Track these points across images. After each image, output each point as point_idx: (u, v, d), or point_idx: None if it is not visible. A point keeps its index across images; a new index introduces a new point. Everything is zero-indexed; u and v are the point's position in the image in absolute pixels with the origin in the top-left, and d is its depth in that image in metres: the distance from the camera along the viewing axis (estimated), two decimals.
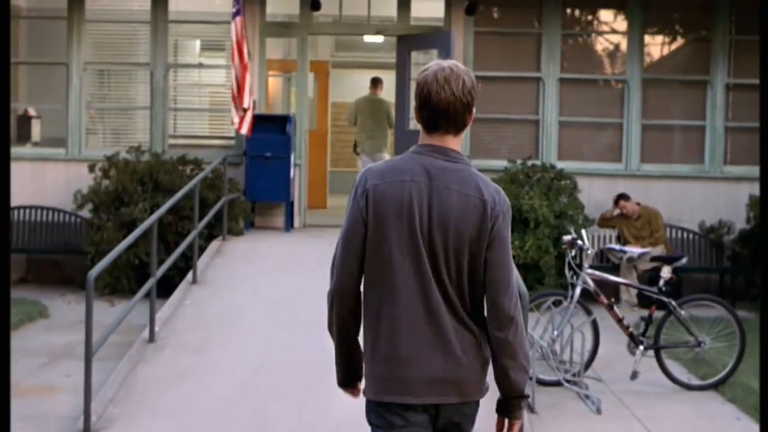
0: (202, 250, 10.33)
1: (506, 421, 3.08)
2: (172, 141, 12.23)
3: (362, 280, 2.99)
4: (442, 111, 2.89)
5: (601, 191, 11.92)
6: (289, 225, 11.77)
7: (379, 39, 15.86)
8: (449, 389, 2.93)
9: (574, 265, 7.49)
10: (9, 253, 4.84)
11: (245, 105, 10.85)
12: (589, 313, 7.48)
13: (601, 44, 12.36)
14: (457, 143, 2.98)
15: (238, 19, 10.70)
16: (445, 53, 11.25)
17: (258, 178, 11.59)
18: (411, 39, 11.79)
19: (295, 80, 12.27)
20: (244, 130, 10.94)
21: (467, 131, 11.06)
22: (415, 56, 11.91)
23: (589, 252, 7.43)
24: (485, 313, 3.00)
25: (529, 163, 11.73)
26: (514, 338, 2.94)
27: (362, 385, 3.09)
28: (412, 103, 3.40)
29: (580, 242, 7.48)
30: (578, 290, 7.41)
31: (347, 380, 3.19)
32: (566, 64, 12.17)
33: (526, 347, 2.99)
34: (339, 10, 12.14)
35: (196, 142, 12.46)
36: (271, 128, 11.72)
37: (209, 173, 10.64)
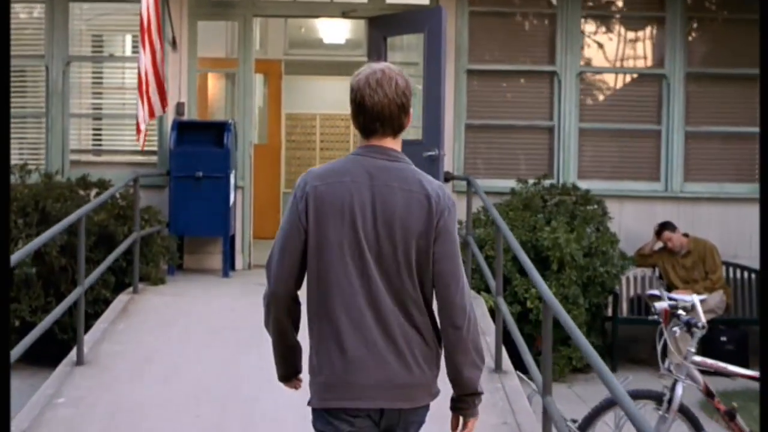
0: (106, 305, 7.46)
1: (461, 418, 3.00)
2: (74, 157, 9.32)
3: (301, 284, 2.92)
4: (377, 114, 2.84)
5: (635, 218, 9.21)
6: (229, 267, 8.87)
7: (340, 32, 13.21)
8: (400, 395, 2.85)
9: (674, 348, 4.69)
10: (8, 254, 4.17)
11: (156, 110, 8.00)
12: (697, 428, 4.69)
13: (632, 28, 9.58)
14: (397, 145, 2.93)
15: None
16: (435, 38, 8.46)
17: (186, 206, 8.72)
18: (387, 21, 8.99)
19: (237, 78, 9.37)
20: (142, 140, 8.05)
21: (461, 143, 8.94)
22: (393, 43, 9.10)
23: (700, 326, 4.64)
24: (436, 313, 2.91)
25: (546, 183, 8.96)
26: (467, 333, 2.87)
27: (301, 378, 3.09)
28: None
29: (683, 312, 4.70)
30: (679, 390, 4.62)
31: (288, 375, 3.12)
32: (587, 53, 9.43)
33: (479, 343, 2.92)
34: None
35: (107, 159, 9.55)
36: (204, 139, 8.86)
37: (110, 199, 7.79)
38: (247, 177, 9.36)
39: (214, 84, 12.12)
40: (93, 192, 8.46)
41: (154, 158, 9.33)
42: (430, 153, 8.50)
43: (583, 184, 9.03)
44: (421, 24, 8.61)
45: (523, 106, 9.43)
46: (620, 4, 9.65)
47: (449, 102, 8.87)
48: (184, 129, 8.84)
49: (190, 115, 9.26)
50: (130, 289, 7.76)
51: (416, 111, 9.05)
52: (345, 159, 2.93)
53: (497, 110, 9.41)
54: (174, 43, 9.13)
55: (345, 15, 9.27)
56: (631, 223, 9.18)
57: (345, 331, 2.83)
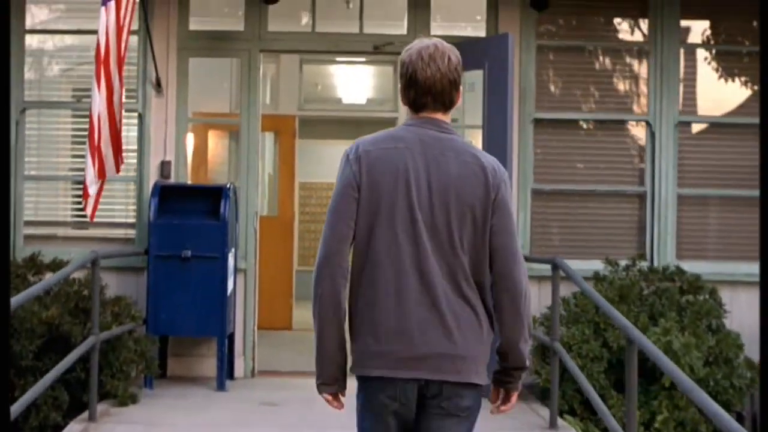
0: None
1: (502, 391, 2.92)
2: (30, 231, 7.25)
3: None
4: (428, 88, 2.78)
5: (751, 311, 6.98)
6: (225, 376, 6.71)
7: (361, 89, 11.32)
8: (443, 366, 2.73)
9: None
10: (8, 255, 3.97)
11: (108, 168, 5.94)
12: None
13: (747, 66, 7.50)
14: (446, 119, 2.85)
15: (112, 3, 5.78)
16: (499, 76, 6.43)
17: (170, 295, 6.62)
18: None
19: (240, 132, 7.33)
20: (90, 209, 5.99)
21: (526, 213, 7.04)
22: None
23: None
24: (490, 288, 2.80)
25: (642, 265, 6.86)
26: (525, 309, 2.79)
27: (344, 398, 2.89)
28: None
29: None
30: None
31: (334, 375, 2.81)
32: (688, 98, 7.37)
33: (530, 319, 2.84)
34: (311, 16, 7.34)
35: (71, 232, 7.46)
36: (194, 208, 6.80)
37: (63, 287, 5.69)
38: (251, 257, 7.26)
39: (216, 143, 10.14)
40: (47, 277, 6.38)
41: (131, 233, 7.25)
42: None
43: (684, 266, 6.91)
44: (478, 58, 6.58)
45: (606, 166, 7.35)
46: (731, 34, 7.56)
47: (513, 161, 6.78)
48: (169, 195, 6.78)
49: (178, 177, 7.21)
50: (86, 414, 5.59)
51: None
52: (396, 128, 2.86)
53: (573, 172, 7.33)
54: (158, 85, 7.12)
55: (378, 50, 7.24)
56: (748, 317, 7.00)
57: (390, 299, 2.72)
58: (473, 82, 6.78)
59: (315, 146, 14.47)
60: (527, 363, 2.88)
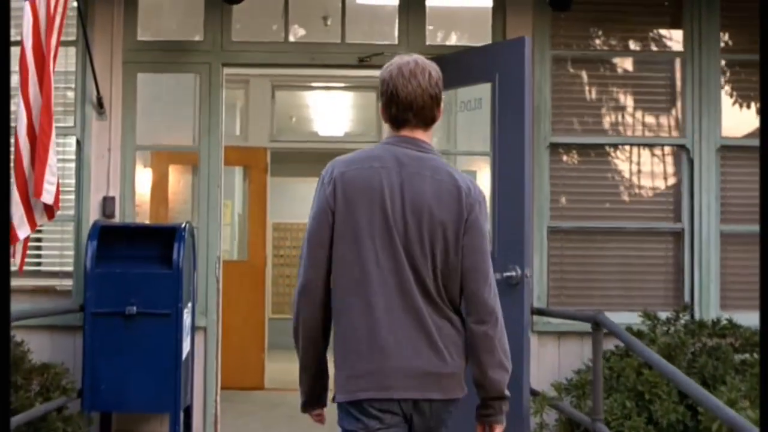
0: None
1: (487, 428, 2.85)
2: None
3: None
4: (409, 104, 2.78)
5: None
6: None
7: (340, 122, 10.24)
8: (432, 384, 2.72)
9: None
10: (8, 255, 3.56)
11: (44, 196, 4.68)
12: None
13: None
14: (427, 139, 2.85)
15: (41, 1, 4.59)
16: (513, 90, 5.28)
17: (111, 361, 5.38)
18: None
19: (199, 162, 6.11)
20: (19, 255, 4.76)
21: (542, 256, 5.91)
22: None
23: None
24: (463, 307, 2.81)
25: (685, 318, 5.69)
26: (494, 332, 2.75)
27: (326, 410, 2.93)
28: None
29: None
30: None
31: (316, 395, 2.88)
32: (731, 118, 6.23)
33: (506, 344, 2.78)
34: (284, 23, 6.17)
35: None
36: (142, 254, 5.57)
37: None
38: (212, 311, 6.02)
39: (178, 179, 8.89)
40: None
41: (68, 283, 5.99)
42: (508, 274, 5.22)
43: (727, 316, 5.76)
44: (487, 69, 5.43)
45: (636, 200, 6.19)
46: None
47: (529, 194, 5.58)
48: (112, 238, 5.55)
49: (124, 216, 5.98)
50: None
51: None
52: (374, 147, 2.87)
53: (596, 207, 6.16)
54: (100, 106, 5.91)
55: (364, 62, 6.06)
56: None
57: (374, 319, 2.70)
58: (480, 98, 5.62)
59: (288, 183, 13.38)
60: (505, 392, 2.81)
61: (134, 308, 5.35)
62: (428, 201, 2.73)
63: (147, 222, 8.23)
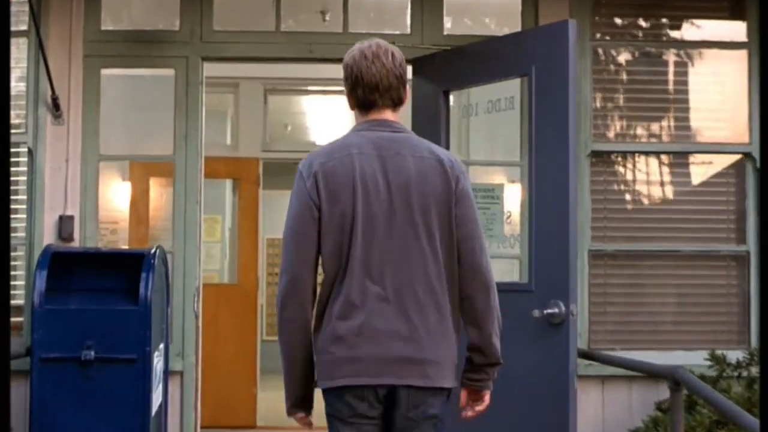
0: None
1: (475, 393, 2.87)
2: None
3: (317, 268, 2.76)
4: (375, 85, 2.79)
5: None
6: None
7: (339, 129, 9.26)
8: (410, 370, 2.68)
9: None
10: (8, 254, 3.22)
11: None
12: None
13: None
14: (397, 120, 2.85)
15: None
16: (555, 85, 4.33)
17: (63, 417, 4.40)
18: (452, 62, 4.83)
19: (175, 172, 5.14)
20: None
21: (583, 285, 5.04)
22: (460, 102, 4.95)
23: None
24: (458, 288, 2.79)
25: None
26: (494, 301, 2.79)
27: (314, 416, 2.89)
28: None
29: None
30: None
31: (302, 397, 2.81)
32: None
33: (499, 313, 2.82)
34: (275, 9, 5.21)
35: None
36: (102, 285, 4.61)
37: None
38: (190, 353, 5.05)
39: (160, 194, 7.94)
40: None
41: (19, 320, 5.02)
42: (549, 311, 4.25)
43: None
44: (520, 61, 4.47)
45: (692, 217, 5.23)
46: None
47: (573, 212, 4.61)
48: (67, 266, 4.58)
49: (85, 239, 5.02)
50: None
51: (499, 227, 4.91)
52: (346, 135, 2.84)
53: (646, 226, 5.20)
54: (56, 108, 4.95)
55: None
56: None
57: (356, 307, 2.69)
58: (511, 96, 4.66)
59: (283, 197, 12.44)
60: (500, 359, 2.83)
61: (92, 353, 4.38)
62: (413, 180, 2.71)
63: (124, 246, 7.38)
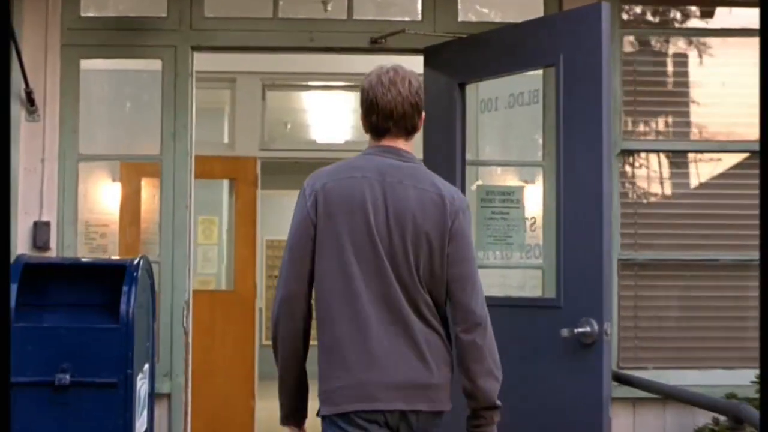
0: None
1: None
2: None
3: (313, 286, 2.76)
4: (389, 113, 2.78)
5: None
6: None
7: (340, 128, 9.00)
8: (420, 396, 2.69)
9: None
10: (8, 254, 3.18)
11: None
12: None
13: None
14: (409, 148, 2.84)
15: None
16: (589, 74, 3.84)
17: None
18: (468, 51, 4.35)
19: (162, 172, 4.67)
20: None
21: (611, 298, 4.15)
22: (476, 95, 4.47)
23: None
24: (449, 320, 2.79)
25: None
26: (483, 341, 2.73)
27: (306, 425, 2.90)
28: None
29: None
30: None
31: (297, 409, 2.84)
32: None
33: (495, 353, 2.77)
34: (273, 3, 4.73)
35: None
36: (80, 300, 4.14)
37: None
38: (178, 373, 4.57)
39: (152, 196, 7.46)
40: None
41: None
42: (580, 330, 3.78)
43: None
44: (548, 49, 4.00)
45: (735, 223, 4.74)
46: None
47: (608, 216, 4.13)
48: (41, 279, 4.11)
49: (63, 248, 4.55)
50: None
51: (520, 235, 4.44)
52: (354, 157, 2.84)
53: (682, 233, 4.73)
54: (30, 104, 4.48)
55: (377, 44, 4.62)
56: None
57: (359, 331, 2.67)
58: (536, 89, 4.19)
59: (282, 197, 12.10)
60: (496, 402, 2.77)
61: (67, 377, 3.91)
62: (412, 211, 2.72)
63: (115, 250, 6.99)
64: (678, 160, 4.71)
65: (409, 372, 2.67)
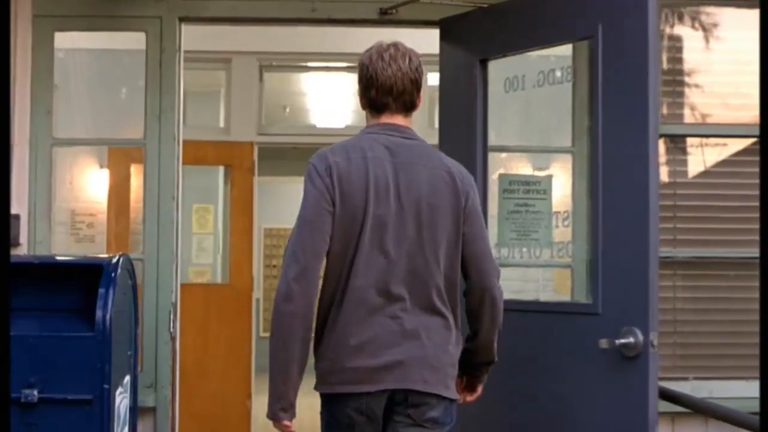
0: None
1: (466, 380, 2.95)
2: None
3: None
4: (389, 88, 2.77)
5: None
6: None
7: (342, 112, 8.59)
8: (410, 374, 2.67)
9: None
10: (8, 254, 2.91)
11: None
12: None
13: None
14: (409, 125, 2.81)
15: None
16: (632, 45, 3.34)
17: None
18: (491, 22, 3.84)
19: (145, 159, 4.17)
20: None
21: None
22: (501, 74, 3.95)
23: None
24: (463, 294, 2.84)
25: None
26: (500, 317, 2.83)
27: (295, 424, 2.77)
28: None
29: None
30: None
31: (293, 401, 2.68)
32: None
33: (501, 321, 2.86)
34: None
35: None
36: (53, 304, 3.64)
37: None
38: (164, 384, 4.08)
39: (142, 185, 7.00)
40: None
41: None
42: (622, 341, 3.28)
43: None
44: (583, 19, 3.50)
45: None
46: None
47: (655, 209, 3.64)
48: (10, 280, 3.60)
49: (34, 245, 4.06)
50: None
51: (546, 231, 3.97)
52: (358, 137, 2.78)
53: (727, 227, 4.25)
54: None
55: (386, 14, 4.12)
56: None
57: (359, 314, 2.66)
58: (569, 66, 3.69)
59: (280, 184, 11.71)
60: (496, 357, 2.89)
61: (35, 393, 3.43)
62: (424, 191, 2.69)
63: (102, 241, 6.57)
64: (726, 147, 4.21)
65: (401, 353, 2.65)
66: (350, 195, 2.65)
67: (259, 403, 7.62)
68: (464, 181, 2.77)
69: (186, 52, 4.19)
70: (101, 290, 3.53)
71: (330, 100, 9.25)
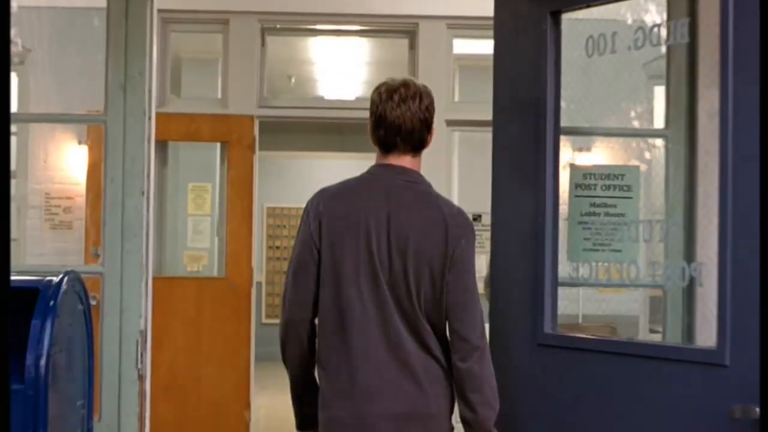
0: None
1: None
2: None
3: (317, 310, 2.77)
4: (398, 128, 2.73)
5: None
6: None
7: (353, 83, 7.87)
8: (414, 426, 2.67)
9: None
10: (8, 253, 2.52)
11: None
12: None
13: None
14: (416, 165, 2.79)
15: None
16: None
17: None
18: None
19: (104, 140, 3.19)
20: None
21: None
22: (575, 28, 2.97)
23: None
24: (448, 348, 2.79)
25: None
26: (480, 370, 2.69)
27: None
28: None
29: None
30: None
31: (309, 417, 2.79)
32: None
33: (493, 381, 2.72)
34: None
35: None
36: None
37: None
38: (129, 430, 3.13)
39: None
40: None
41: None
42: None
43: None
44: None
45: None
46: None
47: None
48: None
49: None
50: None
51: (631, 245, 2.98)
52: (361, 177, 2.81)
53: None
54: None
55: None
56: None
57: (358, 360, 2.67)
58: (684, 21, 2.69)
59: (286, 159, 10.97)
60: (492, 429, 2.73)
61: None
62: (414, 236, 2.68)
63: (80, 226, 5.96)
64: None
65: (406, 403, 2.64)
66: (338, 239, 2.66)
67: (260, 402, 6.88)
68: (457, 228, 2.68)
69: (175, 11, 3.32)
70: (34, 324, 2.58)
71: (341, 69, 8.39)
